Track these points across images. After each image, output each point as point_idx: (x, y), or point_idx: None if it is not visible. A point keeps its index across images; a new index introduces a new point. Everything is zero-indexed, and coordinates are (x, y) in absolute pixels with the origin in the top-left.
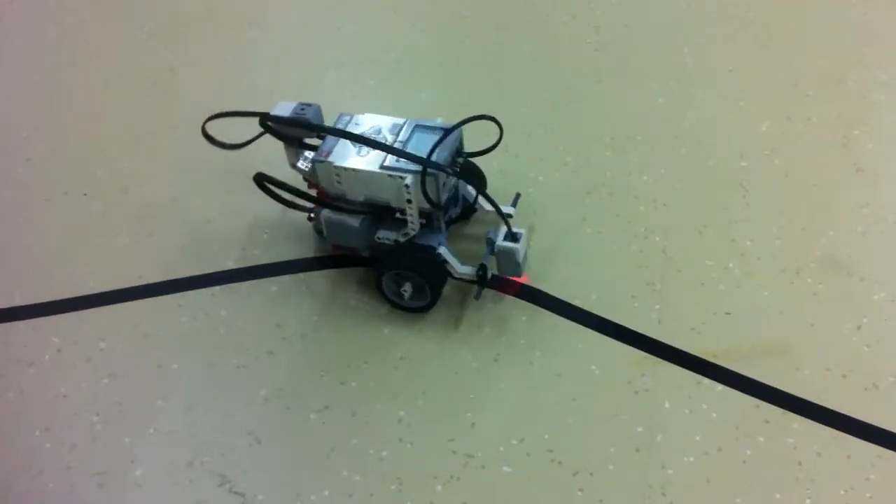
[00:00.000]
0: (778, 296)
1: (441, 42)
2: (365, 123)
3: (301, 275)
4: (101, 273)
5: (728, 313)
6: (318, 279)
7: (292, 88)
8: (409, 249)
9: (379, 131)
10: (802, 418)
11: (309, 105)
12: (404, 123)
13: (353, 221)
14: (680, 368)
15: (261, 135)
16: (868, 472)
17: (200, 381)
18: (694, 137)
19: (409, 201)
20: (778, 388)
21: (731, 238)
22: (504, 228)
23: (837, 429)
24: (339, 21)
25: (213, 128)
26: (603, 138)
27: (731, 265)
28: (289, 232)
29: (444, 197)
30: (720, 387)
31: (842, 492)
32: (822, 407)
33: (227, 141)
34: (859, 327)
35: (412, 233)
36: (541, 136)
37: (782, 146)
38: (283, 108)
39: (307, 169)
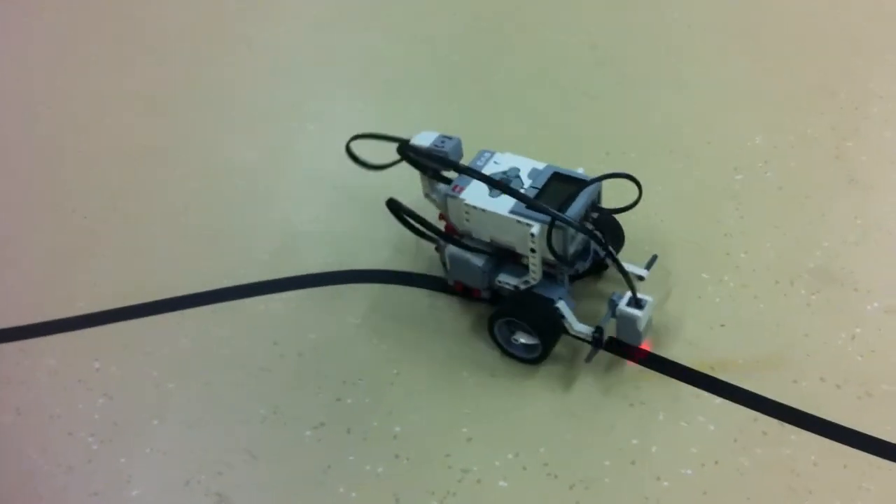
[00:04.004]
0: (773, 307)
1: (433, 59)
2: (504, 163)
3: (298, 291)
4: (94, 292)
5: (723, 325)
6: (315, 297)
7: (285, 104)
8: (527, 299)
9: (517, 174)
10: (799, 429)
11: (450, 138)
12: (543, 168)
13: (477, 261)
14: (676, 381)
15: (399, 160)
16: (863, 481)
17: (196, 399)
18: (689, 152)
19: (532, 250)
20: (775, 399)
21: (726, 251)
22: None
23: (833, 439)
24: (328, 39)
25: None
26: (598, 154)
27: (726, 278)
28: (286, 251)
29: (571, 250)
30: (718, 399)
31: (838, 502)
32: (818, 417)
33: (370, 162)
34: (853, 337)
35: (533, 282)
36: (535, 153)
37: (775, 159)
38: (425, 139)
39: (440, 201)
